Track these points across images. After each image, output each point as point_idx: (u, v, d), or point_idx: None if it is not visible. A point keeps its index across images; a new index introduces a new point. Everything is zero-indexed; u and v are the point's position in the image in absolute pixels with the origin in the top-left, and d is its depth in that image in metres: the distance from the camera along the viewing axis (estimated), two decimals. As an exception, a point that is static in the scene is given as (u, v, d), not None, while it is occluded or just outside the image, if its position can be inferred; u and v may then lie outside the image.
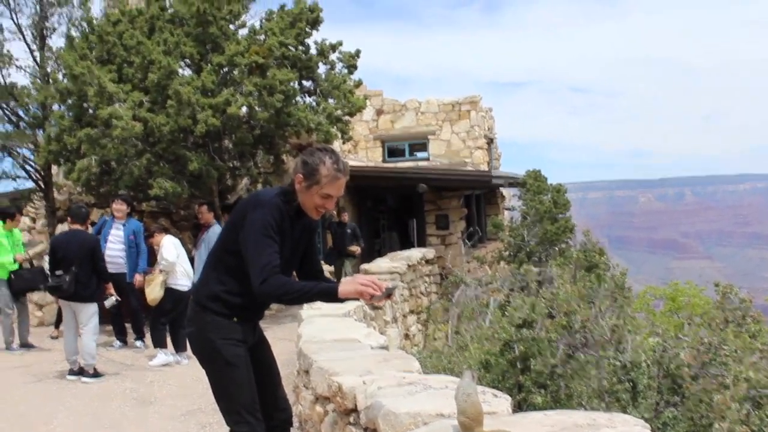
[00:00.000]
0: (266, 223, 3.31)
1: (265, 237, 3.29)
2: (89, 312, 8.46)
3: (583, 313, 5.47)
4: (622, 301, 6.14)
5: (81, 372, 8.48)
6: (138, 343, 10.25)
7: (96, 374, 8.48)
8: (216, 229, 10.18)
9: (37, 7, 14.44)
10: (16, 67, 14.45)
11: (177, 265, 9.13)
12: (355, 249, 14.03)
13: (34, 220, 16.36)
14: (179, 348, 9.18)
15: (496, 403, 3.42)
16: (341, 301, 3.34)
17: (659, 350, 5.09)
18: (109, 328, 10.65)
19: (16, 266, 10.18)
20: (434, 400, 3.43)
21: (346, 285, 3.24)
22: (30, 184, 15.37)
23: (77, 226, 8.78)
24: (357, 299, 3.38)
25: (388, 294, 3.27)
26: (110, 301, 9.24)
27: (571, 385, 5.31)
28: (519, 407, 5.11)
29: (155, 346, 9.32)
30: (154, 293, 9.15)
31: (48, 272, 8.72)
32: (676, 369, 4.92)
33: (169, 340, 9.34)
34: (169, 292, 9.12)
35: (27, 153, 14.58)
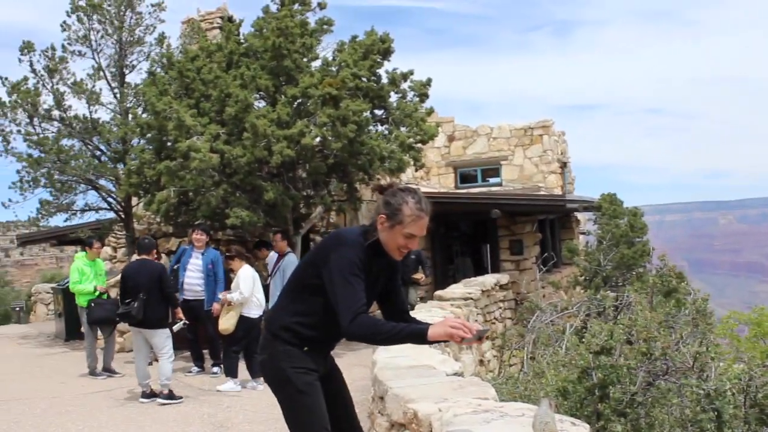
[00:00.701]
0: (353, 262, 3.32)
1: (352, 276, 3.30)
2: (162, 337, 8.77)
3: (664, 340, 5.34)
4: (704, 327, 5.97)
5: (153, 395, 8.74)
6: (215, 369, 10.45)
7: (171, 396, 8.70)
8: (291, 258, 10.36)
9: (117, 47, 15.07)
10: (99, 104, 15.09)
11: (252, 296, 9.31)
12: (420, 276, 13.54)
13: (115, 250, 16.91)
14: (254, 374, 9.31)
15: (573, 431, 3.38)
16: (430, 343, 3.37)
17: (745, 378, 4.93)
18: (188, 353, 10.90)
19: (95, 295, 10.58)
20: (510, 428, 3.41)
21: (436, 327, 3.21)
22: (111, 215, 15.96)
23: (144, 257, 9.11)
24: (447, 341, 3.40)
25: (480, 337, 3.26)
26: (178, 325, 9.50)
27: (652, 414, 5.19)
28: (598, 436, 5.02)
29: (226, 375, 9.49)
30: (226, 324, 9.33)
31: (119, 301, 9.06)
32: (765, 398, 4.75)
33: (243, 366, 9.48)
34: (242, 321, 9.29)
35: (109, 185, 15.15)
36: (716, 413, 4.79)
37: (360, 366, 10.03)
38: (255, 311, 9.33)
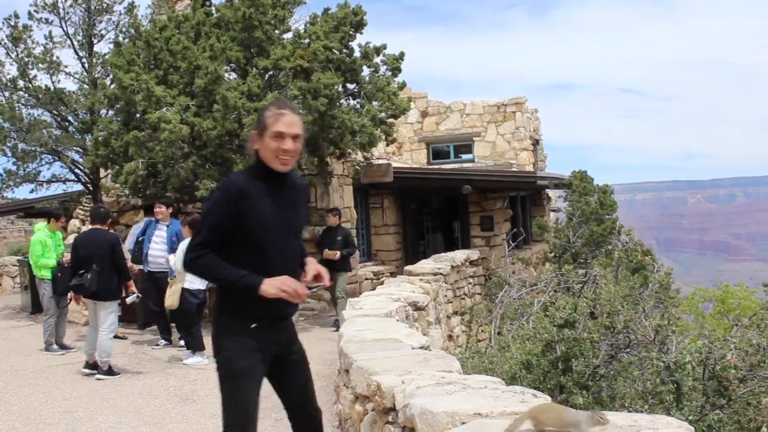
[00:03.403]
0: (212, 204, 3.40)
1: (208, 218, 3.39)
2: (108, 310, 8.59)
3: (627, 314, 5.40)
4: (667, 302, 6.04)
5: (96, 367, 8.64)
6: (182, 342, 10.41)
7: (110, 371, 8.59)
8: None
9: (85, 15, 14.82)
10: (65, 73, 14.85)
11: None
12: (331, 254, 11.67)
13: (83, 222, 16.72)
14: (196, 349, 9.31)
15: (535, 403, 3.41)
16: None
17: (705, 351, 5.00)
18: (155, 327, 10.84)
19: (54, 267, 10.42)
20: (472, 400, 3.43)
21: (268, 285, 3.27)
22: (79, 187, 15.77)
23: (98, 226, 8.90)
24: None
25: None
26: (131, 297, 9.35)
27: (613, 387, 5.25)
28: (561, 408, 5.05)
29: (188, 349, 9.46)
30: (169, 300, 9.25)
31: (71, 271, 8.88)
32: (722, 371, 4.82)
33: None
34: (183, 293, 9.21)
35: (76, 157, 14.96)
36: (676, 385, 4.86)
37: (327, 340, 10.06)
38: (198, 284, 9.24)
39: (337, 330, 10.95)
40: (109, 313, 8.59)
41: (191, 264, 3.37)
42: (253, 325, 3.42)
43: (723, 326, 11.49)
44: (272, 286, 3.27)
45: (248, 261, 3.35)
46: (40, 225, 11.00)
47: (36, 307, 14.27)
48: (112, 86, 12.95)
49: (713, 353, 4.93)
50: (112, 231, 9.58)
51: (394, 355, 4.96)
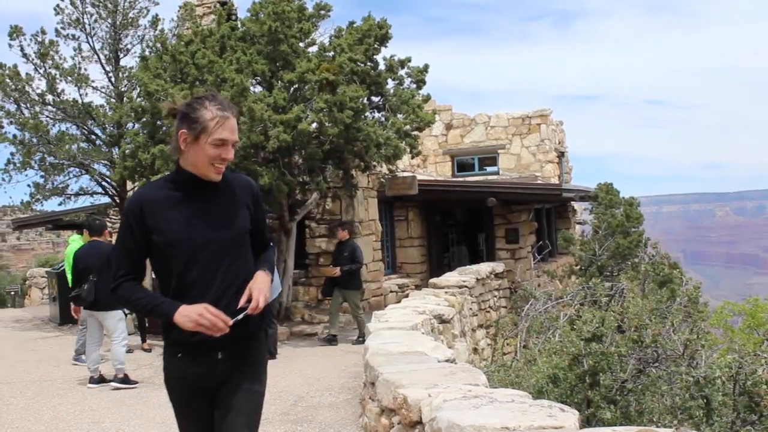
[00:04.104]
0: (123, 223, 2.98)
1: (120, 238, 2.98)
2: (114, 319, 8.62)
3: (655, 327, 5.34)
4: (695, 316, 5.97)
5: (102, 380, 8.68)
6: None
7: (126, 380, 8.64)
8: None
9: (111, 30, 15.02)
10: (92, 87, 15.05)
11: None
12: (330, 270, 11.83)
13: (110, 234, 16.88)
14: None
15: (563, 417, 3.38)
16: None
17: (735, 366, 4.93)
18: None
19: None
20: (500, 414, 3.41)
21: (183, 314, 2.79)
22: (106, 200, 15.93)
23: (95, 238, 9.02)
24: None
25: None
26: None
27: (642, 401, 5.20)
28: (587, 423, 5.02)
29: None
30: None
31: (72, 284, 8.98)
32: (753, 386, 4.75)
33: None
34: None
35: (103, 170, 15.12)
36: (705, 400, 4.80)
37: (352, 353, 10.06)
38: None
39: (362, 344, 11.00)
40: (116, 323, 8.62)
41: (113, 295, 2.97)
42: (179, 355, 2.98)
43: (753, 341, 11.34)
44: (186, 318, 2.78)
45: (170, 282, 2.94)
46: (75, 237, 11.10)
47: (64, 318, 14.42)
48: (139, 99, 13.09)
49: (744, 368, 4.86)
50: (109, 241, 9.67)
51: (420, 368, 4.95)
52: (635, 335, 5.42)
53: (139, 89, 13.22)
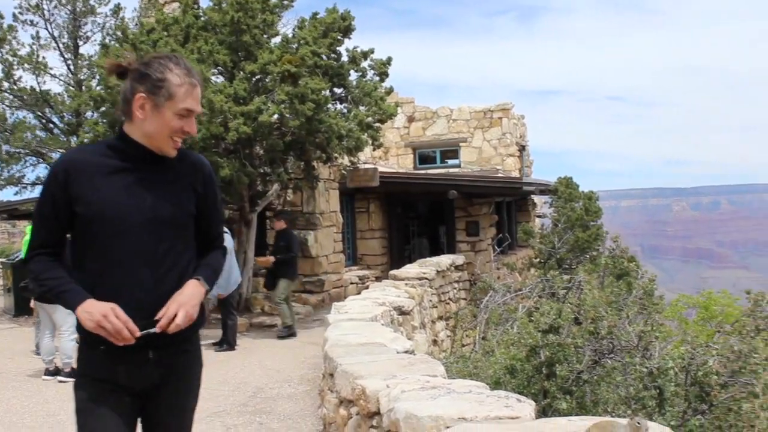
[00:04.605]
0: (42, 193, 2.53)
1: (38, 209, 2.55)
2: (62, 313, 8.34)
3: (610, 319, 5.43)
4: (650, 308, 6.08)
5: (57, 372, 8.55)
6: None
7: (73, 373, 8.51)
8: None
9: (70, 17, 14.78)
10: (51, 75, 14.79)
11: None
12: (262, 260, 11.71)
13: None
14: None
15: (519, 407, 3.43)
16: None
17: (687, 357, 5.04)
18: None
19: None
20: (457, 405, 3.44)
21: (85, 310, 2.37)
22: (65, 190, 15.70)
23: None
24: None
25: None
26: None
27: (597, 392, 5.28)
28: (544, 413, 5.08)
29: None
30: None
31: None
32: (704, 376, 4.87)
33: None
34: None
35: (61, 159, 14.89)
36: (658, 391, 4.90)
37: (312, 344, 10.05)
38: None
39: (286, 337, 10.93)
40: (65, 316, 8.32)
41: (27, 269, 2.56)
42: (102, 347, 2.46)
43: (706, 333, 11.58)
44: (88, 316, 2.34)
45: (92, 266, 2.48)
46: (30, 227, 10.87)
47: (19, 310, 14.18)
48: (98, 88, 12.90)
49: (695, 359, 4.97)
50: None
51: (379, 360, 4.97)
52: (591, 327, 5.51)
53: (98, 78, 13.02)
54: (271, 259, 11.41)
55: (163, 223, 2.51)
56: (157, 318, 2.44)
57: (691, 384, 4.94)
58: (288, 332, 11.11)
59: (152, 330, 2.42)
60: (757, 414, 4.37)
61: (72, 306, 2.40)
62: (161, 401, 2.63)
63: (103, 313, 2.34)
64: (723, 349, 5.32)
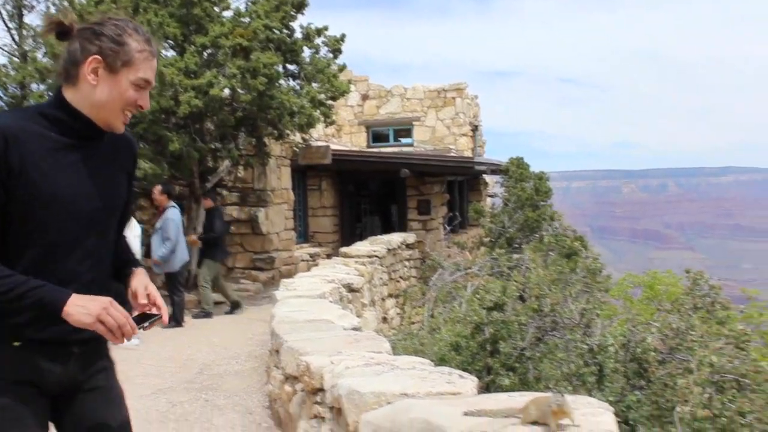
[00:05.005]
0: None
1: None
2: None
3: (553, 297, 5.52)
4: (593, 287, 6.20)
5: None
6: None
7: None
8: (170, 214, 10.07)
9: (14, -16, 14.37)
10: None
11: None
12: (191, 240, 11.12)
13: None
14: None
15: (461, 383, 3.47)
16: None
17: (628, 335, 5.15)
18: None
19: None
20: (400, 381, 3.47)
21: (78, 305, 2.00)
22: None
23: None
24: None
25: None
26: None
27: (539, 368, 5.38)
28: (487, 389, 5.16)
29: None
30: None
31: None
32: (643, 353, 4.98)
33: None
34: None
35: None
36: (598, 367, 5.00)
37: (261, 321, 10.03)
38: None
39: (204, 318, 10.79)
40: None
41: None
42: (16, 343, 2.09)
43: (650, 311, 11.84)
44: (84, 311, 1.99)
45: (30, 255, 2.08)
46: None
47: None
48: (45, 59, 12.59)
49: (635, 336, 5.09)
50: None
51: (325, 336, 4.99)
52: (535, 304, 5.60)
53: (45, 49, 12.69)
54: (194, 238, 11.18)
55: (105, 209, 2.21)
56: (146, 312, 2.21)
57: (630, 360, 5.06)
58: (204, 315, 10.89)
59: (147, 324, 2.17)
60: (691, 389, 4.50)
61: (58, 302, 1.99)
62: (91, 394, 2.28)
63: (103, 306, 2.02)
64: (663, 326, 5.46)
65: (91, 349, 2.27)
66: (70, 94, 2.13)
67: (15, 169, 1.99)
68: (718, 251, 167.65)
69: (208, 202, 11.47)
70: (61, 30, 2.17)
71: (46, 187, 2.04)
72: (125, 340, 2.09)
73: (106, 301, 2.04)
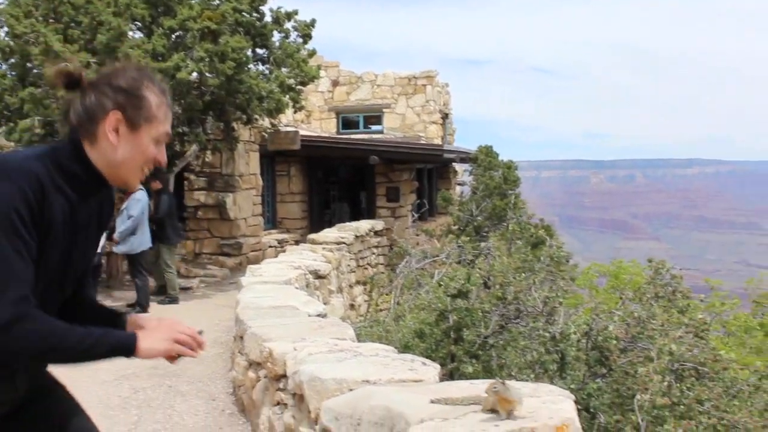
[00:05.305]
0: (12, 215, 1.77)
1: (9, 239, 1.76)
2: None
3: (517, 285, 5.56)
4: (557, 275, 6.25)
5: None
6: None
7: None
8: (137, 196, 9.98)
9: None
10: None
11: None
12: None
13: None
14: None
15: (423, 371, 3.48)
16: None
17: (590, 323, 5.21)
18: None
19: None
20: (362, 368, 3.48)
21: (151, 340, 1.97)
22: (-32, 145, 14.99)
23: None
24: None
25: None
26: None
27: (503, 356, 5.41)
28: (451, 376, 5.19)
29: None
30: None
31: None
32: (604, 341, 5.04)
33: None
34: None
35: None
36: (560, 355, 5.05)
37: (227, 307, 9.98)
38: None
39: (170, 303, 10.66)
40: None
41: (8, 337, 1.75)
42: None
43: (614, 300, 11.97)
44: (159, 339, 1.98)
45: None
46: None
47: None
48: (5, 38, 12.34)
49: (597, 324, 5.14)
50: None
51: (290, 323, 4.98)
52: (499, 292, 5.63)
53: (7, 28, 12.43)
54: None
55: (81, 269, 2.13)
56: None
57: (591, 349, 5.11)
58: (170, 300, 10.75)
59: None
60: (651, 377, 4.55)
61: (131, 345, 1.92)
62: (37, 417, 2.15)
63: (170, 326, 2.02)
64: (624, 315, 5.52)
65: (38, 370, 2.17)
66: (92, 151, 1.99)
67: (45, 222, 1.86)
68: (683, 242, 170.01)
69: (156, 184, 11.29)
70: (70, 81, 2.03)
71: (55, 249, 1.92)
72: (201, 350, 2.08)
73: (167, 319, 2.05)
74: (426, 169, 20.89)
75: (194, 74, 11.43)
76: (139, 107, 1.98)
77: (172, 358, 2.03)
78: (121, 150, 1.98)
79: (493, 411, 2.58)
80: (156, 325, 2.04)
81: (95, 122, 1.97)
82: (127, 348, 1.92)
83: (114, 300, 10.59)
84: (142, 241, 10.07)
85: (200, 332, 2.11)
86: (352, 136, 23.66)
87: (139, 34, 12.12)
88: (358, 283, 13.23)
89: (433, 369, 3.53)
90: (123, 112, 1.96)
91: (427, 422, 2.67)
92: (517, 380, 4.92)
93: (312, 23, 13.09)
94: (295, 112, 14.48)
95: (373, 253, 14.93)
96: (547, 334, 5.09)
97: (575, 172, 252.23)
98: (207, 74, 11.38)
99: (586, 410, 4.68)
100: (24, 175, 1.83)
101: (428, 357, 4.61)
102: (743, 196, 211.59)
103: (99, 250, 9.21)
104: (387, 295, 10.61)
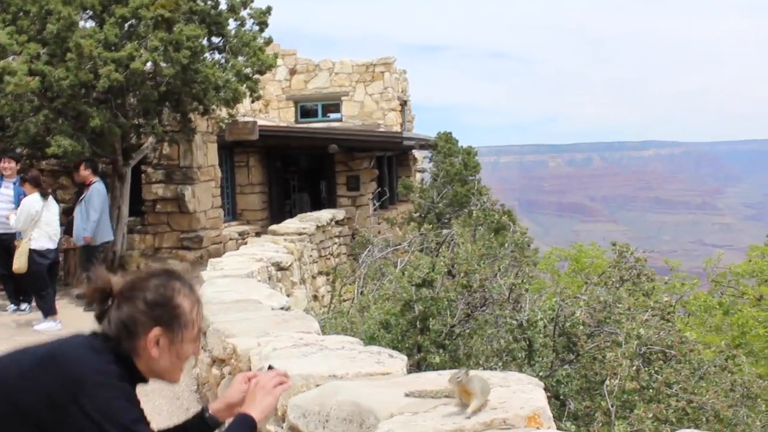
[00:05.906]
0: (119, 399, 1.90)
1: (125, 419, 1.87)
2: None
3: (482, 272, 5.53)
4: (522, 261, 6.24)
5: None
6: (23, 306, 9.79)
7: None
8: (97, 187, 9.78)
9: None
10: None
11: (37, 228, 8.81)
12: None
13: None
14: (45, 312, 8.89)
15: (390, 363, 3.43)
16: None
17: (556, 309, 5.19)
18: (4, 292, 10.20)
19: None
20: (328, 362, 3.42)
21: (259, 406, 2.07)
22: None
23: None
24: None
25: None
26: None
27: (469, 345, 5.38)
28: (418, 367, 5.14)
29: (43, 315, 8.98)
30: (18, 263, 8.82)
31: None
32: (572, 327, 5.03)
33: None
34: (31, 254, 8.80)
35: None
36: (528, 342, 5.03)
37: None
38: (45, 243, 8.84)
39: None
40: None
41: None
42: None
43: (577, 284, 12.05)
44: (262, 399, 2.08)
45: None
46: None
47: None
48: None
49: (563, 310, 5.13)
50: None
51: (253, 317, 4.89)
52: (464, 280, 5.59)
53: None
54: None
55: None
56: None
57: (559, 335, 5.10)
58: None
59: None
60: (620, 362, 4.56)
61: (251, 422, 2.04)
62: None
63: (259, 382, 2.12)
64: (590, 300, 5.52)
65: None
66: (138, 361, 2.03)
67: None
68: (639, 223, 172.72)
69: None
70: (103, 296, 2.08)
71: None
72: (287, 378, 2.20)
73: (263, 377, 2.13)
74: (386, 156, 20.82)
75: (149, 64, 11.19)
76: (176, 316, 2.02)
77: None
78: (163, 361, 2.03)
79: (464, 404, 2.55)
80: (244, 388, 2.13)
81: (134, 338, 2.00)
82: (252, 429, 2.04)
83: (72, 299, 10.33)
84: (104, 232, 9.87)
85: (270, 368, 2.27)
86: (311, 125, 23.51)
87: (90, 23, 11.82)
88: (320, 273, 13.14)
89: (400, 361, 3.48)
90: (161, 326, 2.00)
91: (397, 416, 2.62)
92: (484, 369, 4.90)
93: (268, 11, 12.91)
94: (252, 101, 14.30)
95: (335, 243, 14.85)
96: (514, 322, 5.07)
97: (533, 157, 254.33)
98: (162, 64, 11.15)
99: (555, 397, 4.67)
100: (116, 377, 1.92)
101: (394, 348, 4.55)
102: (698, 177, 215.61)
103: (55, 246, 9.03)
104: (350, 285, 10.54)
